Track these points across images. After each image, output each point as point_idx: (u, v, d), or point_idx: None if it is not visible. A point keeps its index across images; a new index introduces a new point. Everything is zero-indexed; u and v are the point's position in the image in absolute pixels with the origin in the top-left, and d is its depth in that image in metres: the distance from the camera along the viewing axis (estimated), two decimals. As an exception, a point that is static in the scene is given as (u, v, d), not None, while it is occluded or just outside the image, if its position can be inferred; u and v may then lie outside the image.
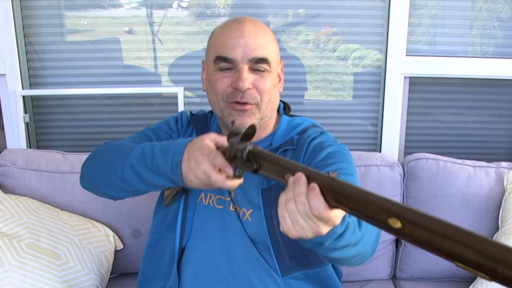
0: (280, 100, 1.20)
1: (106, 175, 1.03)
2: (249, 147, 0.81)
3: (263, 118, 1.09)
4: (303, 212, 0.67)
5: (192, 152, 0.89)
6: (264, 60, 1.04)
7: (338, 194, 0.64)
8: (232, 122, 0.91)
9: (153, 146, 0.97)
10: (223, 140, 0.90)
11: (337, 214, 0.68)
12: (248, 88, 1.03)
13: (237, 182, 0.88)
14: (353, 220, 0.81)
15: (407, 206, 0.57)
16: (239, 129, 0.85)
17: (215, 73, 1.06)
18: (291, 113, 1.22)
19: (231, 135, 0.86)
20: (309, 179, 0.68)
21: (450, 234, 0.51)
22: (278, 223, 1.04)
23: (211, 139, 0.90)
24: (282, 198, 0.70)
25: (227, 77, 1.05)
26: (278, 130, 1.14)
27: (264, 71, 1.05)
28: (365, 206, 0.60)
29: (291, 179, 0.70)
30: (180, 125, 1.21)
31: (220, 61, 1.04)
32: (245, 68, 1.03)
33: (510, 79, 1.92)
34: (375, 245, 0.94)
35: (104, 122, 1.96)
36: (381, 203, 0.59)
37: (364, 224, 0.84)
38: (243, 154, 0.81)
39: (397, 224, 0.56)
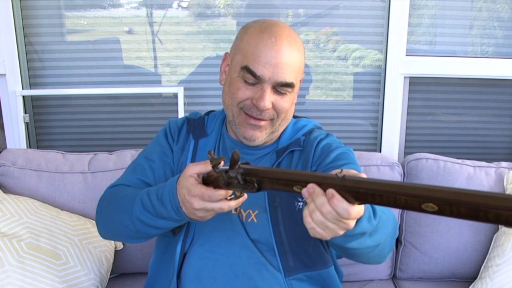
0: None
1: (121, 231, 1.05)
2: (241, 171, 0.81)
3: (274, 132, 1.09)
4: (333, 219, 0.69)
5: (183, 195, 0.89)
6: (290, 85, 1.03)
7: (357, 193, 0.65)
8: (209, 153, 0.87)
9: (149, 195, 0.97)
10: (204, 167, 0.89)
11: (361, 207, 0.70)
12: (267, 109, 1.03)
13: (241, 199, 0.89)
14: (367, 207, 0.81)
15: (437, 187, 0.57)
16: (219, 158, 0.85)
17: (238, 80, 1.04)
18: (295, 114, 1.21)
19: (215, 165, 0.85)
20: (321, 186, 0.69)
21: (491, 204, 0.52)
22: (284, 224, 1.05)
23: (192, 175, 0.88)
24: (306, 211, 0.71)
25: (250, 90, 1.03)
26: (284, 132, 1.14)
27: (285, 93, 1.04)
28: (392, 199, 0.61)
29: (305, 192, 0.71)
30: (171, 137, 1.19)
31: (247, 73, 1.02)
32: (269, 88, 1.01)
33: (510, 79, 1.92)
34: (392, 240, 0.94)
35: (104, 122, 1.96)
36: (408, 191, 0.59)
37: (379, 213, 0.84)
38: (239, 180, 0.81)
39: (433, 208, 0.56)
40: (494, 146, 2.03)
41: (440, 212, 0.56)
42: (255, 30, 1.03)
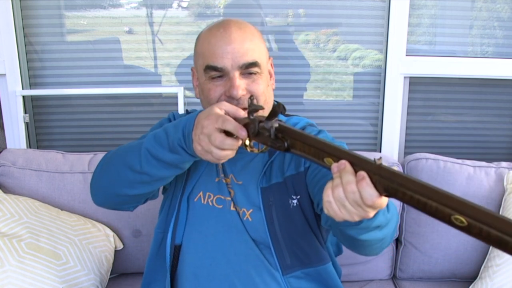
0: (275, 101, 1.19)
1: (122, 176, 1.02)
2: (276, 124, 0.79)
3: None
4: (353, 200, 0.67)
5: (200, 119, 0.89)
6: (254, 64, 1.02)
7: (389, 185, 0.63)
8: (250, 98, 0.87)
9: (165, 127, 0.98)
10: (235, 110, 0.89)
11: (386, 199, 0.68)
12: (242, 95, 1.02)
13: (236, 144, 0.87)
14: None
15: (472, 204, 0.54)
16: (259, 106, 0.84)
17: (207, 82, 1.04)
18: (287, 112, 1.21)
19: (251, 111, 0.84)
20: (354, 166, 0.67)
21: None
22: (278, 222, 1.05)
23: (220, 108, 0.90)
24: (329, 184, 0.70)
25: (220, 85, 1.03)
26: None
27: (255, 73, 1.03)
28: (422, 202, 0.58)
29: (334, 167, 0.69)
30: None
31: (210, 70, 1.02)
32: (236, 75, 1.01)
33: (510, 79, 1.92)
34: (394, 232, 0.94)
35: (104, 122, 1.95)
36: (442, 199, 0.56)
37: (391, 207, 0.83)
38: (271, 133, 0.79)
39: (462, 222, 0.54)
40: (494, 146, 2.03)
41: (468, 229, 0.53)
42: (205, 31, 1.07)
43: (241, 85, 1.01)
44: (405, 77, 1.89)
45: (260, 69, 1.04)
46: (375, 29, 1.87)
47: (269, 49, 1.93)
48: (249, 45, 1.02)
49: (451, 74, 1.89)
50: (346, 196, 0.67)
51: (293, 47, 1.92)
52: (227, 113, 0.89)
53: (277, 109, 0.79)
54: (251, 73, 1.03)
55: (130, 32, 1.91)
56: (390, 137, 1.92)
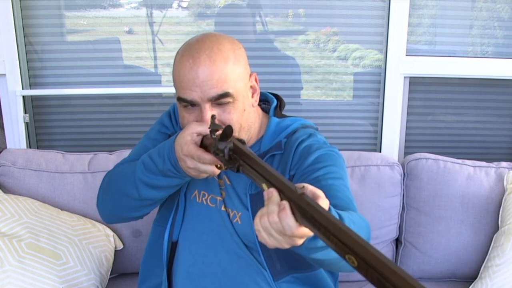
0: (274, 95, 1.17)
1: (124, 204, 1.07)
2: (229, 145, 0.81)
3: (243, 137, 1.05)
4: (277, 230, 0.67)
5: (178, 152, 0.94)
6: (225, 95, 0.98)
7: (305, 215, 0.63)
8: (212, 117, 0.89)
9: (150, 155, 1.01)
10: (204, 129, 0.93)
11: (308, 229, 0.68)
12: None
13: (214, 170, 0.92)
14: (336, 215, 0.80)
15: (368, 246, 0.54)
16: (219, 125, 0.86)
17: (181, 109, 1.03)
18: (283, 112, 1.18)
19: (212, 131, 0.87)
20: (281, 193, 0.68)
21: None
22: None
23: (190, 134, 0.93)
24: (258, 212, 0.71)
25: (192, 114, 1.01)
26: (266, 134, 1.10)
27: (227, 103, 0.99)
28: (327, 235, 0.58)
29: (265, 194, 0.70)
30: (174, 118, 1.21)
31: (182, 101, 1.01)
32: (207, 107, 0.98)
33: (510, 79, 1.92)
34: None
35: (104, 122, 1.95)
36: (342, 236, 0.56)
37: (347, 223, 0.81)
38: (225, 154, 0.82)
39: (354, 263, 0.55)
40: (494, 146, 2.03)
41: (359, 269, 0.54)
42: (178, 56, 1.03)
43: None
44: (405, 77, 1.89)
45: (233, 98, 1.00)
46: (375, 29, 1.87)
47: (269, 49, 1.93)
48: (220, 75, 0.97)
49: (451, 74, 1.89)
50: (271, 226, 0.68)
51: (293, 47, 1.92)
52: (199, 134, 0.93)
53: (228, 131, 0.81)
54: (223, 103, 1.00)
55: (130, 32, 1.91)
56: (390, 137, 1.92)
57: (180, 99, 1.00)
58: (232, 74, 1.00)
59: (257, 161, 0.76)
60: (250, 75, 1.07)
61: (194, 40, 1.04)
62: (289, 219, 0.65)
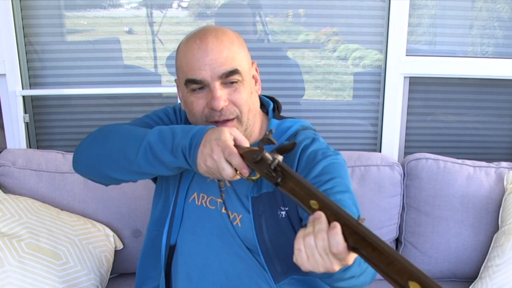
0: (270, 99, 1.17)
1: (112, 158, 1.03)
2: (280, 158, 0.82)
3: (247, 129, 1.06)
4: (322, 248, 0.69)
5: (209, 139, 0.90)
6: (234, 72, 0.99)
7: (362, 240, 0.66)
8: (270, 131, 0.88)
9: (173, 128, 0.98)
10: (242, 140, 0.91)
11: (352, 255, 0.71)
12: (224, 106, 1.00)
13: (234, 177, 0.90)
14: None
15: (425, 275, 0.58)
16: (273, 139, 0.86)
17: (189, 95, 1.03)
18: (281, 114, 1.18)
19: (264, 141, 0.86)
20: (335, 217, 0.70)
21: None
22: (268, 231, 1.04)
23: (231, 133, 0.91)
24: (300, 233, 0.72)
25: (201, 97, 1.01)
26: None
27: (237, 82, 1.01)
28: (388, 262, 0.62)
29: (311, 217, 0.72)
30: (179, 115, 1.19)
31: (191, 84, 1.01)
32: (216, 85, 0.99)
33: (510, 79, 1.92)
34: (375, 275, 0.93)
35: (104, 122, 1.93)
36: (405, 264, 0.60)
37: None
38: (272, 164, 0.82)
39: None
40: (494, 146, 2.03)
41: None
42: (182, 44, 1.04)
43: (222, 96, 1.00)
44: (405, 77, 1.89)
45: (242, 77, 1.01)
46: (375, 29, 1.87)
47: (269, 49, 1.93)
48: (228, 53, 0.99)
49: (451, 74, 1.89)
50: (316, 243, 0.70)
51: (292, 47, 1.92)
52: (235, 139, 0.91)
53: (290, 147, 0.84)
54: (232, 82, 1.01)
55: (130, 32, 1.91)
56: (390, 137, 1.92)
57: (189, 81, 1.00)
58: (239, 54, 1.03)
59: (306, 183, 0.78)
60: (252, 64, 1.09)
61: (198, 28, 1.06)
62: (338, 236, 0.68)
